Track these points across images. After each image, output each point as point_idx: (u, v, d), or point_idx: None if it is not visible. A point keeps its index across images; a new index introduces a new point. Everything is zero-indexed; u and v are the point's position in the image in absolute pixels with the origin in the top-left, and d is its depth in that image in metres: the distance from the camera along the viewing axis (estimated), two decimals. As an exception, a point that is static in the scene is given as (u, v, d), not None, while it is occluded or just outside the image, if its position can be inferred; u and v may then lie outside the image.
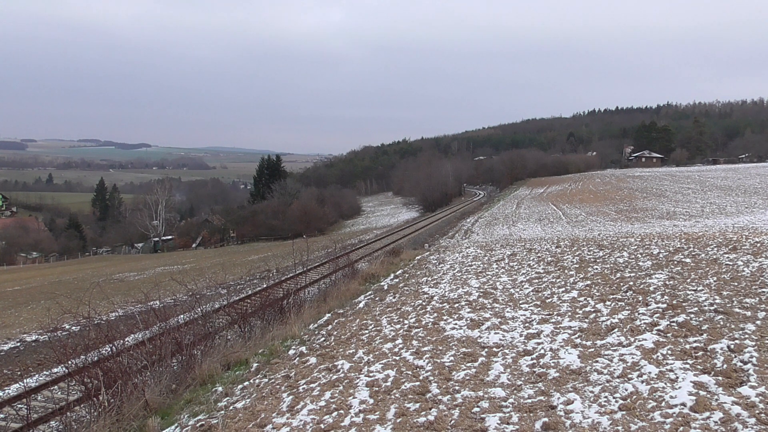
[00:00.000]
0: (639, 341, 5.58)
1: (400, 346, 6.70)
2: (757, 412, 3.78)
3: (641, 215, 30.86)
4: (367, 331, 7.84)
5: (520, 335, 6.49)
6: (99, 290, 18.87)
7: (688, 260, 10.05)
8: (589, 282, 9.26)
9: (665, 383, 4.45)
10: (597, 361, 5.21)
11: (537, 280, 10.21)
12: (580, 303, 7.75)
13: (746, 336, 5.30)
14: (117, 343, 7.27)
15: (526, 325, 6.96)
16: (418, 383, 5.26)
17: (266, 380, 6.35)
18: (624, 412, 4.06)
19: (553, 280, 10.02)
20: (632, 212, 33.01)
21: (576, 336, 6.15)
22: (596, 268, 10.57)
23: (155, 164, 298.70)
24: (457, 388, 5.01)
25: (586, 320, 6.77)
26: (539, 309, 7.73)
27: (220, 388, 6.39)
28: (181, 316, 9.00)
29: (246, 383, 6.42)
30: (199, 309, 9.20)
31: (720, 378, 4.40)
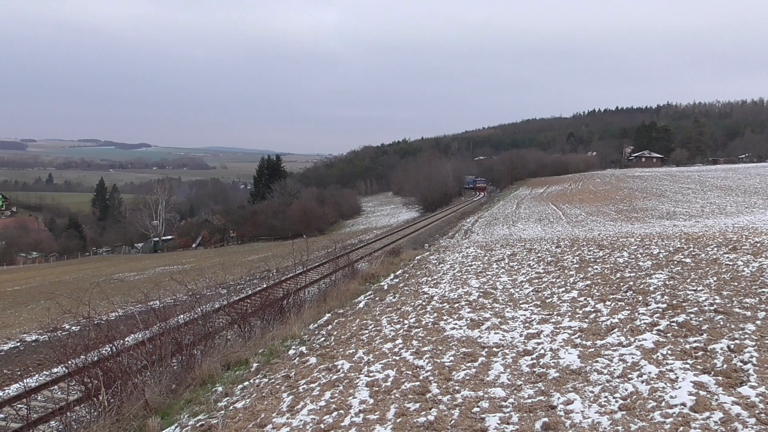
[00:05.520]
0: (639, 341, 5.58)
1: (400, 346, 6.70)
2: (757, 412, 3.78)
3: (641, 215, 30.84)
4: (367, 331, 7.84)
5: (520, 335, 6.49)
6: (99, 290, 18.85)
7: (688, 260, 10.05)
8: (589, 282, 9.26)
9: (665, 383, 4.45)
10: (597, 361, 5.21)
11: (537, 280, 10.21)
12: (580, 303, 7.75)
13: (746, 336, 5.30)
14: (117, 343, 7.27)
15: (526, 325, 6.96)
16: (418, 383, 5.25)
17: (266, 380, 6.35)
18: (624, 412, 4.06)
19: (553, 280, 10.02)
20: (632, 212, 32.99)
21: (576, 336, 6.15)
22: (596, 268, 10.57)
23: (155, 164, 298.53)
24: (457, 388, 5.01)
25: (586, 320, 6.77)
26: (539, 309, 7.73)
27: (220, 388, 6.39)
28: (181, 316, 8.99)
29: (246, 383, 6.42)
30: (199, 309, 9.20)
31: (720, 378, 4.39)
